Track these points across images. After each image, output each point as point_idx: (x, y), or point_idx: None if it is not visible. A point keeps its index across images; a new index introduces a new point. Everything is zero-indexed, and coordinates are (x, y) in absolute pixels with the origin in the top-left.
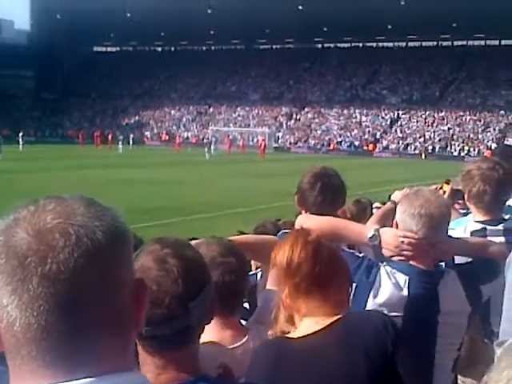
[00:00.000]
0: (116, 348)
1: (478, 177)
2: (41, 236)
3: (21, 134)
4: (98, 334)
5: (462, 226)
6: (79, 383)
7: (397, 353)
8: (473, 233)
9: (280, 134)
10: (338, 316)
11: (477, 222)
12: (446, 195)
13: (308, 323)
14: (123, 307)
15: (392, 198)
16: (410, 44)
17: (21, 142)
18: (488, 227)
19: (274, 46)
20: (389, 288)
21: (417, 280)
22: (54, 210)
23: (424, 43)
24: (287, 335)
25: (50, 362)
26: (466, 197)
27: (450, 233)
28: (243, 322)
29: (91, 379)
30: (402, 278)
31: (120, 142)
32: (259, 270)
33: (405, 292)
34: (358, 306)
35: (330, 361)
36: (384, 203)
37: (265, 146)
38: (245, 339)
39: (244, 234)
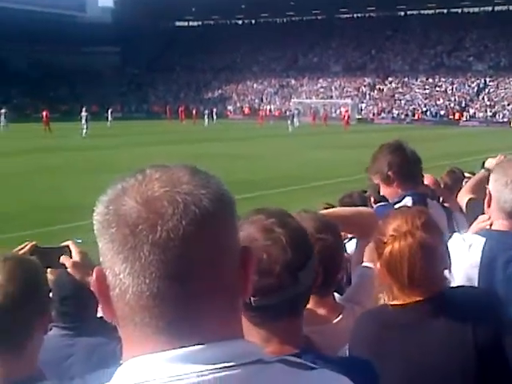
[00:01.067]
0: (226, 315)
1: None
2: (149, 204)
3: (110, 111)
4: (208, 300)
5: None
6: (192, 350)
7: (506, 335)
8: None
9: (363, 105)
10: (441, 290)
11: None
12: None
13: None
14: (231, 274)
15: (486, 165)
16: (497, 8)
17: (109, 119)
18: None
19: (356, 15)
20: (459, 250)
21: (496, 241)
22: (161, 179)
23: (511, 7)
24: (389, 303)
25: (163, 328)
26: None
27: None
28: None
29: (203, 346)
30: (479, 240)
31: (206, 116)
32: (347, 240)
33: (478, 254)
34: None
35: (435, 330)
36: (473, 173)
37: (348, 117)
38: (338, 318)
39: (332, 206)
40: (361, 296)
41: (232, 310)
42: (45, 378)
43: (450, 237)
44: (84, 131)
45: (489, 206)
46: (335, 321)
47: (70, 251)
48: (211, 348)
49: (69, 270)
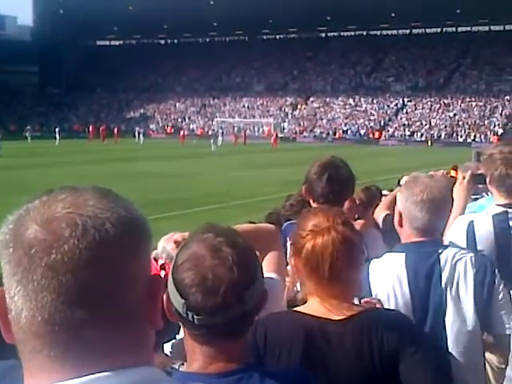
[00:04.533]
0: (127, 343)
1: (500, 161)
2: (48, 225)
3: (58, 130)
4: (105, 328)
5: (484, 210)
6: (90, 378)
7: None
8: (494, 216)
9: (285, 124)
10: (360, 310)
11: (498, 205)
12: (466, 180)
13: (315, 303)
14: (133, 302)
15: (401, 182)
16: (414, 31)
17: (57, 138)
18: (510, 210)
19: (278, 36)
20: (383, 271)
21: (414, 253)
22: (65, 200)
23: (428, 30)
24: (299, 309)
25: (55, 357)
26: (488, 180)
27: (472, 216)
28: None
29: (105, 373)
30: (399, 256)
31: (141, 135)
32: None
33: (403, 270)
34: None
35: (350, 346)
36: (391, 190)
37: (276, 135)
38: None
39: (254, 223)
40: (268, 304)
41: (135, 337)
42: None
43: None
44: None
45: (400, 225)
46: None
47: None
48: (114, 376)
49: None
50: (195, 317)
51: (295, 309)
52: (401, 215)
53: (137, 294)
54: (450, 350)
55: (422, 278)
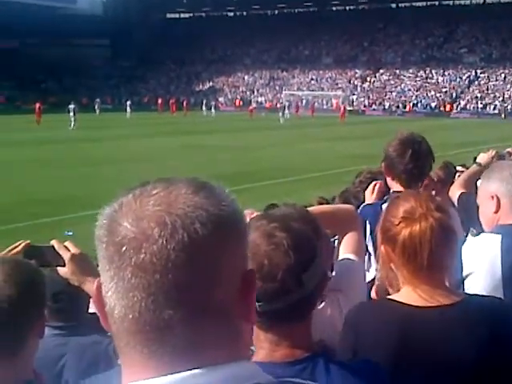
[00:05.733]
0: (220, 340)
1: None
2: (138, 223)
3: (129, 103)
4: (196, 327)
5: None
6: (184, 376)
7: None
8: None
9: (354, 97)
10: (458, 298)
11: None
12: None
13: (411, 291)
14: (225, 301)
15: (478, 160)
16: (488, 1)
17: (128, 110)
18: None
19: (347, 8)
20: (478, 252)
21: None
22: (157, 195)
23: None
24: (394, 298)
25: (148, 354)
26: None
27: None
28: None
29: (199, 370)
30: (495, 238)
31: (213, 108)
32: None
33: (497, 253)
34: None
35: (454, 333)
36: (465, 166)
37: (345, 108)
38: (321, 306)
39: (325, 199)
40: (342, 284)
41: (230, 332)
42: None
43: None
44: (72, 123)
45: (496, 211)
46: (318, 307)
47: (67, 249)
48: (209, 372)
49: (66, 263)
50: (257, 304)
51: (389, 297)
52: (498, 200)
53: (228, 292)
54: None
55: None
